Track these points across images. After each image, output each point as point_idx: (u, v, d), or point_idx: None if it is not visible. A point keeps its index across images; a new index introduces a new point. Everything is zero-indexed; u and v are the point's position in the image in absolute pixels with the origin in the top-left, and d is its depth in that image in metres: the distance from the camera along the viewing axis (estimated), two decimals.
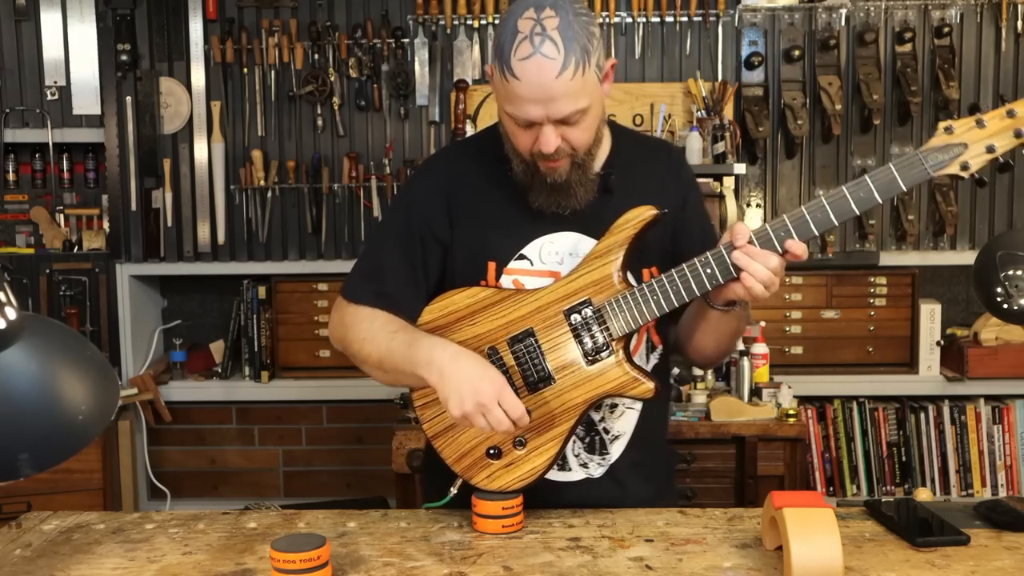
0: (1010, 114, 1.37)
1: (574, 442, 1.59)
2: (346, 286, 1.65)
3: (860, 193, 1.39)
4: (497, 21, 3.33)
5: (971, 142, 1.37)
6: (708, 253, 1.45)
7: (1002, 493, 3.34)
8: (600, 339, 1.48)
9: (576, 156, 1.50)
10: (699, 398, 2.84)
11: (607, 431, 1.61)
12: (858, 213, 1.40)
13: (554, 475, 1.54)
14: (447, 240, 1.60)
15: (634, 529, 1.48)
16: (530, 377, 1.50)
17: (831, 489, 3.37)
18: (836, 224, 1.41)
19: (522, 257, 1.58)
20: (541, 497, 1.52)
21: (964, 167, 1.37)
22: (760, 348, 2.93)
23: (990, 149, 1.37)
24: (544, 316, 1.50)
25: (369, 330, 1.57)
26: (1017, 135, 1.37)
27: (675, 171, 1.68)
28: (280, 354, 3.45)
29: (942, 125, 1.38)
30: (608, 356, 1.48)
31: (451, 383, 1.44)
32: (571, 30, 1.40)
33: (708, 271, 1.44)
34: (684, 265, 1.46)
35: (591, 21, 1.44)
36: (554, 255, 1.57)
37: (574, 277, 1.51)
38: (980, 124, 1.37)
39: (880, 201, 1.40)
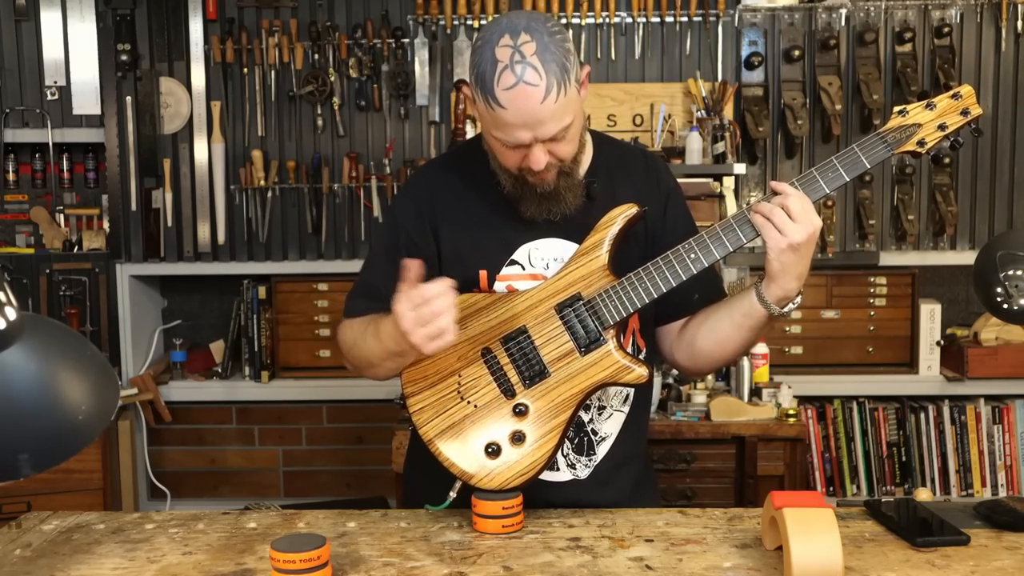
0: (955, 96, 1.52)
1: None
2: (345, 307, 1.70)
3: (828, 174, 1.50)
4: None
5: (924, 122, 1.51)
6: (691, 239, 1.51)
7: (1002, 493, 3.34)
8: (592, 329, 1.52)
9: (563, 166, 1.55)
10: (699, 398, 2.84)
11: (595, 432, 1.64)
12: (828, 192, 1.51)
13: (543, 475, 1.55)
14: (432, 256, 1.62)
15: (634, 529, 1.48)
16: (525, 372, 1.52)
17: (831, 489, 3.37)
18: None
19: (513, 263, 1.61)
20: (530, 499, 1.53)
21: (920, 144, 1.51)
22: (760, 348, 2.93)
23: (942, 127, 1.51)
24: (536, 313, 1.54)
25: (351, 335, 1.63)
26: (964, 113, 1.51)
27: (653, 176, 1.71)
28: (280, 354, 3.45)
29: (896, 109, 1.53)
30: (601, 345, 1.52)
31: (404, 343, 1.44)
32: (548, 52, 1.43)
33: (692, 256, 1.50)
34: (669, 252, 1.51)
35: (564, 37, 1.47)
36: (540, 260, 1.61)
37: (563, 274, 1.55)
38: (930, 107, 1.52)
39: (847, 179, 1.51)
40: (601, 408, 1.64)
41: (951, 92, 1.52)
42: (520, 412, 1.51)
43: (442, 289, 1.40)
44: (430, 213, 1.64)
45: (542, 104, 1.43)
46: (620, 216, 1.54)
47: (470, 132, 3.11)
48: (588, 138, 1.66)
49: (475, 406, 1.53)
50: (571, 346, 1.52)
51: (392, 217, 1.71)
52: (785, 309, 1.52)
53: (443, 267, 1.62)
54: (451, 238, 1.63)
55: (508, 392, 1.52)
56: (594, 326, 1.52)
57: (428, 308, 1.40)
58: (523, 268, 1.61)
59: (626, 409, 1.66)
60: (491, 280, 1.61)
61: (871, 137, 1.51)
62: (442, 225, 1.63)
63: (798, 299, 1.53)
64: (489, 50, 1.44)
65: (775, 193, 1.49)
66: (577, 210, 1.58)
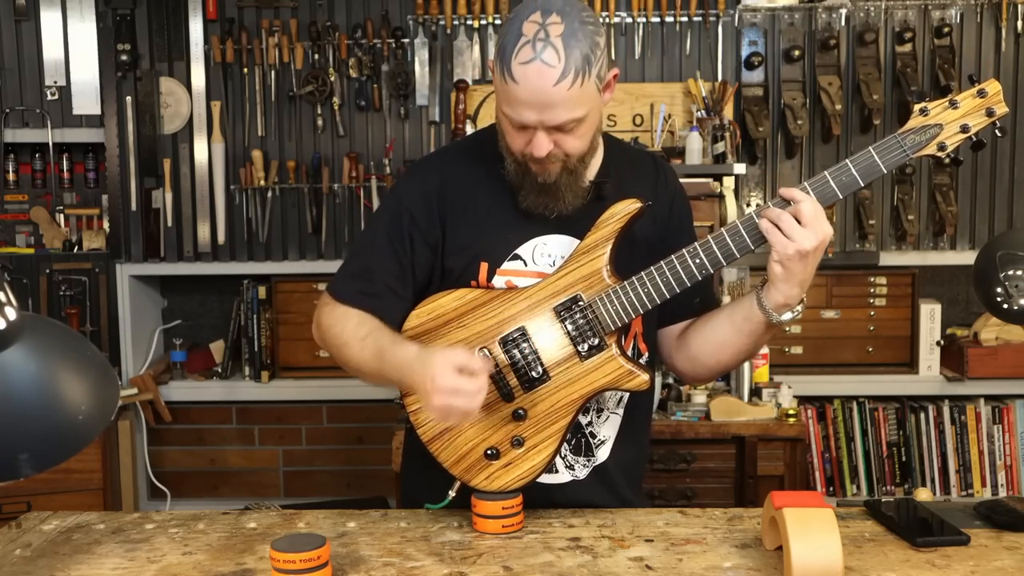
0: (980, 94, 1.41)
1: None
2: (333, 285, 1.64)
3: (842, 178, 1.43)
4: (498, 21, 3.32)
5: (946, 122, 1.42)
6: (696, 244, 1.47)
7: (1002, 493, 3.34)
8: (593, 334, 1.49)
9: (568, 162, 1.50)
10: (699, 398, 2.84)
11: (594, 435, 1.62)
12: (841, 197, 1.43)
13: (541, 478, 1.54)
14: (437, 243, 1.58)
15: (634, 529, 1.48)
16: (524, 376, 1.50)
17: (831, 489, 3.37)
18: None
19: (516, 257, 1.57)
20: (529, 500, 1.52)
21: (941, 147, 1.42)
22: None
23: (964, 128, 1.41)
24: (535, 314, 1.50)
25: (342, 334, 1.57)
26: (988, 114, 1.41)
27: (662, 180, 1.69)
28: (280, 354, 3.45)
29: (917, 107, 1.42)
30: (602, 351, 1.49)
31: (419, 390, 1.44)
32: (574, 38, 1.40)
33: (697, 261, 1.46)
34: (673, 256, 1.47)
35: (597, 30, 1.43)
36: (547, 257, 1.57)
37: (563, 274, 1.52)
38: (953, 105, 1.42)
39: (862, 184, 1.43)
40: (599, 411, 1.62)
41: (976, 88, 1.41)
42: (519, 416, 1.50)
43: (486, 371, 1.40)
44: (439, 200, 1.58)
45: (554, 87, 1.40)
46: (621, 213, 1.50)
47: (470, 132, 3.11)
48: (600, 142, 1.62)
49: None
50: (571, 350, 1.49)
51: (396, 200, 1.62)
52: (784, 317, 1.47)
53: (445, 256, 1.59)
54: (457, 227, 1.58)
55: (507, 396, 1.51)
56: (595, 330, 1.48)
57: (472, 385, 1.37)
58: (525, 264, 1.57)
59: (620, 411, 1.64)
60: (491, 274, 1.57)
61: (889, 139, 1.43)
62: (450, 213, 1.58)
63: (799, 308, 1.47)
64: (517, 23, 1.42)
65: (785, 200, 1.42)
66: (588, 209, 1.54)
